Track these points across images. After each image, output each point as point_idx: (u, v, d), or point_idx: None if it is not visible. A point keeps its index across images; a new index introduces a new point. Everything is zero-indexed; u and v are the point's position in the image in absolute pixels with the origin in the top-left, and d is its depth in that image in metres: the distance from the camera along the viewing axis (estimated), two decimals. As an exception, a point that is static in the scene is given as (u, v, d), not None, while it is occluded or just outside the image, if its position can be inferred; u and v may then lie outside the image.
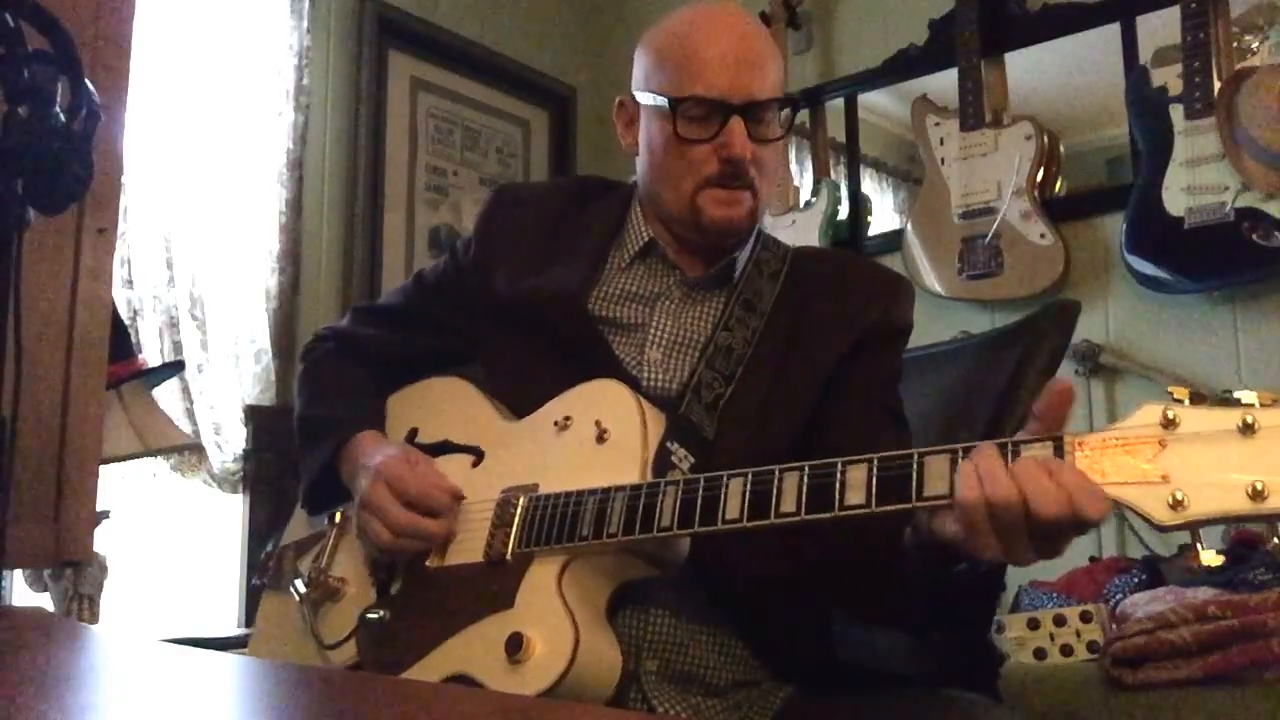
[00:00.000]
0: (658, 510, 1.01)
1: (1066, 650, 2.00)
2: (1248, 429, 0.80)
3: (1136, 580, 2.13)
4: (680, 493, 1.01)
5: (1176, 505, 0.81)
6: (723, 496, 0.99)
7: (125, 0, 1.20)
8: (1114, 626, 1.98)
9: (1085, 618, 2.02)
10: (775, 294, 1.27)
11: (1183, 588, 1.99)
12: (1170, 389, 0.85)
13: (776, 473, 0.97)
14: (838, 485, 0.94)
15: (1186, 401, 0.84)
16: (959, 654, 1.31)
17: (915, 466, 0.91)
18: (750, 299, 1.26)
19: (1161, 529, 0.82)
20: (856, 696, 1.13)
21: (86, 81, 0.90)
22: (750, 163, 1.19)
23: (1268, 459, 0.79)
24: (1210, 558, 0.86)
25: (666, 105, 1.20)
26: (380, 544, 1.18)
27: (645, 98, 1.25)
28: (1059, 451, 0.86)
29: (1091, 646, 1.98)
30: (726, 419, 1.18)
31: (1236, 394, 0.83)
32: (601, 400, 1.15)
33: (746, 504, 0.97)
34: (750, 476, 0.98)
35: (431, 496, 1.16)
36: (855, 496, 0.93)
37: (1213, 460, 0.81)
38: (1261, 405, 0.81)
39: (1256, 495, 0.79)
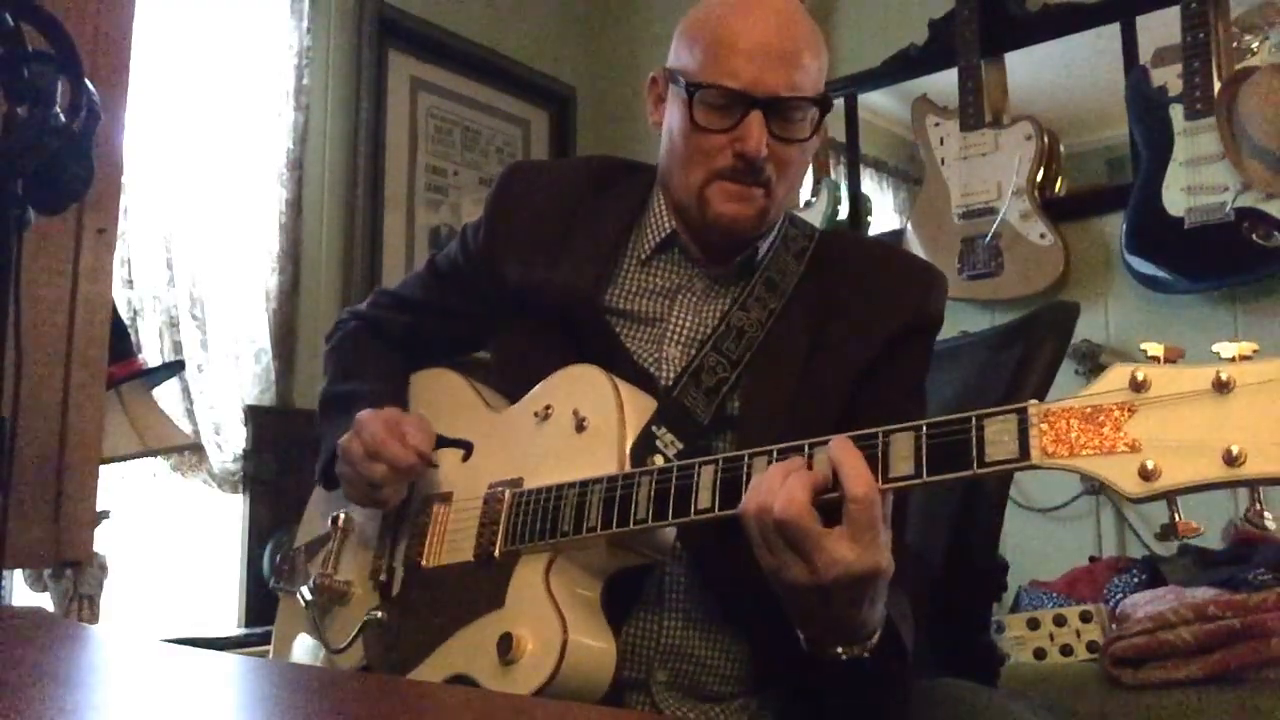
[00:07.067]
0: (634, 502, 1.00)
1: (1066, 650, 2.00)
2: (1222, 387, 0.74)
3: (1136, 580, 2.14)
4: (654, 483, 0.99)
5: (1147, 475, 0.75)
6: (695, 486, 0.96)
7: (125, 0, 1.20)
8: (1114, 626, 1.98)
9: (1085, 618, 2.02)
10: (800, 272, 1.21)
11: (1183, 588, 1.99)
12: (1143, 345, 0.79)
13: (746, 458, 0.94)
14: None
15: (1161, 359, 0.78)
16: (958, 652, 1.31)
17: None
18: (774, 277, 1.20)
19: (1133, 500, 0.77)
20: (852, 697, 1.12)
21: (86, 81, 0.90)
22: (768, 160, 1.13)
23: (1243, 420, 0.73)
24: (1190, 528, 0.80)
25: (684, 91, 1.13)
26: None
27: (672, 78, 1.19)
28: (1023, 423, 0.81)
29: (1091, 646, 1.98)
30: (737, 404, 1.15)
31: (1215, 347, 0.76)
32: (580, 388, 1.13)
33: (717, 493, 0.95)
34: (720, 463, 0.96)
35: (387, 447, 1.14)
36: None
37: (1185, 424, 0.75)
38: (1240, 357, 0.74)
39: (1232, 460, 0.72)
